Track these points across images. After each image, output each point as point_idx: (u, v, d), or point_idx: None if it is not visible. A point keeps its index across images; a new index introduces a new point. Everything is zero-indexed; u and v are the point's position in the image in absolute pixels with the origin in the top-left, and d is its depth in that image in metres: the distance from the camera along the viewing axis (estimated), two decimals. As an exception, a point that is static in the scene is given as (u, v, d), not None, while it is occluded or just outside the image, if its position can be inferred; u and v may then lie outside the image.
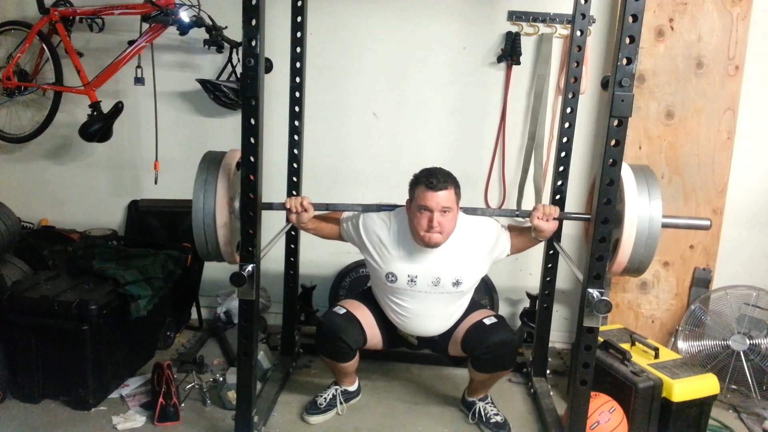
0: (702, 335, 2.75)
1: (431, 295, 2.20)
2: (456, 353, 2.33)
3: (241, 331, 2.05)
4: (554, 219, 2.12)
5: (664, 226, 1.94)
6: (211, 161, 2.01)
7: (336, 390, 2.41)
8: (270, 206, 2.10)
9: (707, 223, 2.06)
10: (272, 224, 2.48)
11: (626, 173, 1.96)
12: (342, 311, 2.26)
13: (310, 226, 2.23)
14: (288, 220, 2.21)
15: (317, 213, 2.20)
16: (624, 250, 1.93)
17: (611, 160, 1.81)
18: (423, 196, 2.06)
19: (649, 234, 1.90)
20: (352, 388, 2.47)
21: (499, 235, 2.24)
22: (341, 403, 2.39)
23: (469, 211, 2.23)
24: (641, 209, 1.90)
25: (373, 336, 2.31)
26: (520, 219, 2.56)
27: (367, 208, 2.24)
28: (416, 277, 2.18)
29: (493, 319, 2.24)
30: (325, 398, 2.38)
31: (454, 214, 2.11)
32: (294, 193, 2.56)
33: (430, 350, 2.43)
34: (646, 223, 1.90)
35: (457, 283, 2.18)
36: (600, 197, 1.84)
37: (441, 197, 2.04)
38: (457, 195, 2.12)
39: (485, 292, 3.01)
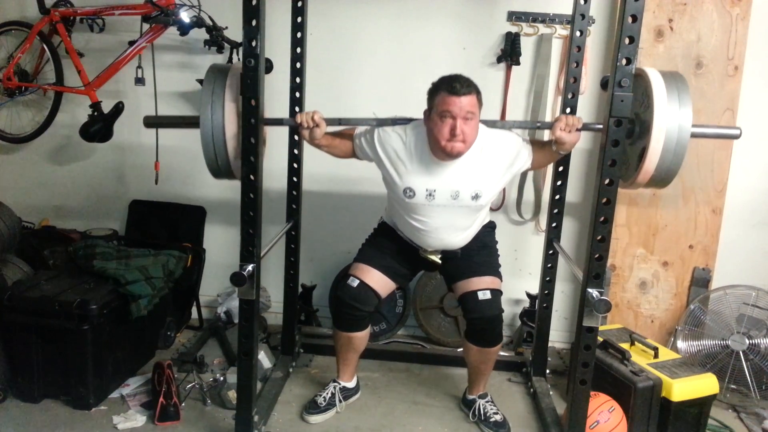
0: (701, 335, 2.75)
1: (450, 209, 2.14)
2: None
3: (242, 330, 2.05)
4: (577, 130, 2.06)
5: (694, 135, 1.89)
6: (218, 72, 1.94)
7: (335, 387, 2.41)
8: (280, 122, 2.08)
9: (737, 132, 2.03)
10: (272, 224, 2.49)
11: (656, 79, 1.90)
12: (355, 283, 2.26)
13: (323, 142, 2.16)
14: (299, 136, 2.15)
15: (330, 130, 2.15)
16: (651, 158, 1.88)
17: (610, 161, 1.82)
18: (445, 102, 1.97)
19: (678, 142, 1.85)
20: (351, 384, 2.47)
21: (520, 149, 2.17)
22: (340, 401, 2.40)
23: (489, 123, 2.16)
24: (670, 117, 1.85)
25: (388, 292, 2.33)
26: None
27: (382, 122, 2.16)
28: (434, 191, 2.11)
29: (487, 295, 2.23)
30: (325, 397, 2.38)
31: (476, 122, 2.03)
32: (294, 193, 2.57)
33: (448, 275, 2.37)
34: (675, 132, 1.85)
35: (476, 197, 2.12)
36: (600, 197, 1.85)
37: (464, 102, 1.96)
38: (480, 102, 2.03)
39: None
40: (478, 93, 2.03)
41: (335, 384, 2.43)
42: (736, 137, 2.05)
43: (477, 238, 2.31)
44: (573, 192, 2.83)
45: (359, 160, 2.28)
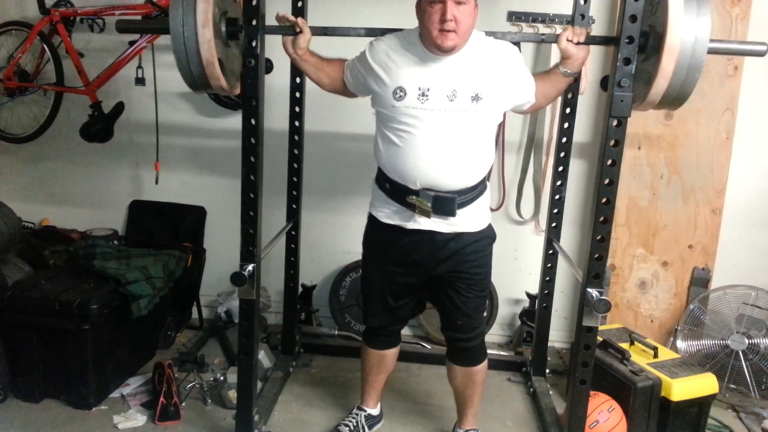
0: (701, 335, 2.75)
1: (446, 114, 1.84)
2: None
3: (242, 330, 2.05)
4: (584, 42, 1.90)
5: (711, 52, 1.71)
6: None
7: (359, 415, 2.30)
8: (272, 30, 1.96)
9: (763, 48, 1.79)
10: (272, 224, 2.49)
11: None
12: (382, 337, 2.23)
13: (308, 58, 2.00)
14: (285, 50, 2.00)
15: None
16: (663, 74, 1.70)
17: (610, 161, 1.82)
18: None
19: (693, 57, 1.67)
20: (375, 411, 2.34)
21: (524, 67, 1.97)
22: (364, 429, 2.27)
23: (489, 34, 2.00)
24: (685, 29, 1.66)
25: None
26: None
27: (371, 32, 2.02)
28: (428, 90, 1.84)
29: (464, 344, 2.08)
30: (350, 427, 2.25)
31: (470, 10, 1.80)
32: (294, 193, 2.57)
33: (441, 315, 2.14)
34: (690, 45, 1.66)
35: (476, 98, 1.84)
36: (600, 197, 1.85)
37: None
38: None
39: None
40: None
41: (360, 411, 2.30)
42: (762, 54, 1.80)
43: (478, 245, 2.00)
44: (573, 191, 2.84)
45: (345, 95, 2.13)
